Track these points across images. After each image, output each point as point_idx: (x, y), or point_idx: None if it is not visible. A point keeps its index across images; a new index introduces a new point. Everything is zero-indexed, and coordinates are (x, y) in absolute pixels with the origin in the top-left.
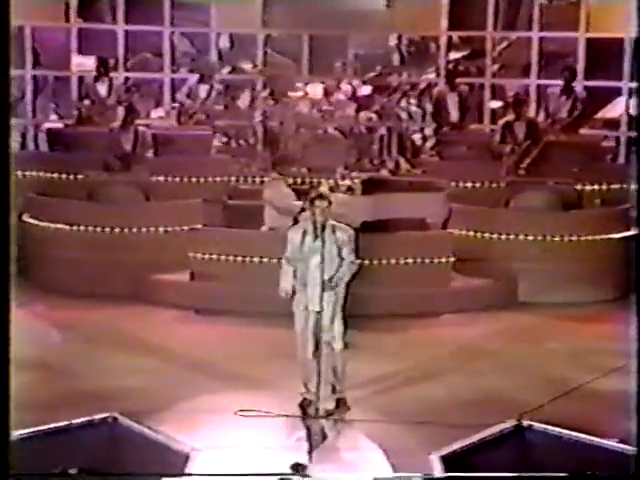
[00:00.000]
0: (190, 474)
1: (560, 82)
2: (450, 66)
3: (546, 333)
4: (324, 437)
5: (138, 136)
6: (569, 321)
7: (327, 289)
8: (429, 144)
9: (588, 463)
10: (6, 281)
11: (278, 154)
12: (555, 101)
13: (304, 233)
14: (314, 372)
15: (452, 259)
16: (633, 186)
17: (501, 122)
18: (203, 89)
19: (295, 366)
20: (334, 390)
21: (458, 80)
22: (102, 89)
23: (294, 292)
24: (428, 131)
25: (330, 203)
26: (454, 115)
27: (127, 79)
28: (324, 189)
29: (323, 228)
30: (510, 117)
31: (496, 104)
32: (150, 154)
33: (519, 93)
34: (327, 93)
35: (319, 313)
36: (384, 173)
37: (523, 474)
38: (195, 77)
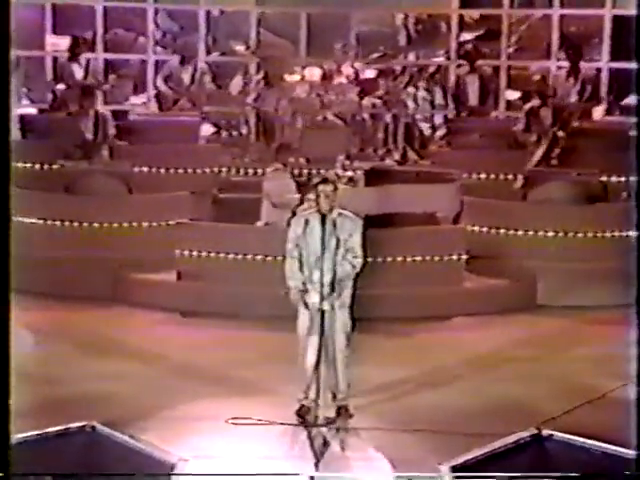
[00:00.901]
0: (190, 474)
1: (587, 64)
2: (467, 47)
3: (568, 338)
4: (326, 446)
5: (99, 121)
6: (593, 325)
7: (332, 284)
8: (439, 133)
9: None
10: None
11: (276, 143)
12: (562, 85)
13: (307, 222)
14: (315, 377)
15: (465, 257)
16: None
17: (526, 107)
18: (186, 72)
19: (291, 371)
20: (335, 397)
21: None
22: (78, 71)
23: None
24: (438, 119)
25: (336, 188)
26: (473, 99)
27: (106, 61)
28: (330, 174)
29: (328, 218)
30: (535, 102)
31: (514, 95)
32: (121, 141)
33: (545, 76)
34: (327, 76)
35: (323, 311)
36: (389, 162)
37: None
38: (176, 59)
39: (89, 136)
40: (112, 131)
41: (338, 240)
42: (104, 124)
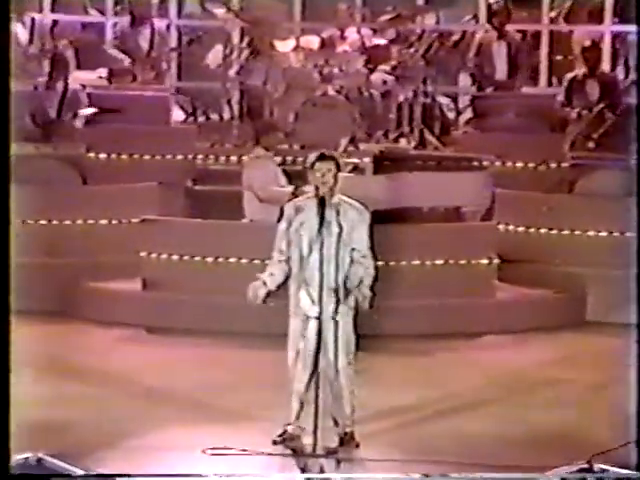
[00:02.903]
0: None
1: None
2: (495, 6)
3: (622, 360)
4: None
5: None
6: None
7: (333, 290)
8: (465, 116)
9: None
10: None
11: (260, 124)
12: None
13: (299, 209)
14: (310, 400)
15: (496, 261)
16: None
17: (568, 77)
18: (143, 36)
19: (278, 396)
20: (337, 423)
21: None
22: (22, 32)
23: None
24: (463, 99)
25: (339, 167)
26: (502, 72)
27: (55, 23)
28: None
29: (328, 204)
30: (579, 71)
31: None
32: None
33: (594, 41)
34: (328, 43)
35: (320, 322)
36: (404, 145)
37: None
38: (126, 19)
39: (53, 114)
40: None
41: (340, 232)
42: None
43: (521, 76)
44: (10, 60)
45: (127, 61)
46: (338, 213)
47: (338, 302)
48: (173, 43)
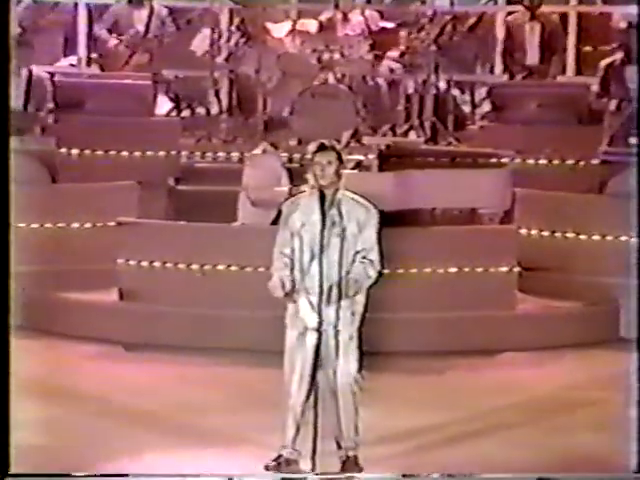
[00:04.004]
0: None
1: None
2: None
3: None
4: None
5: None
6: None
7: (338, 294)
8: (482, 109)
9: None
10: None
11: (252, 117)
12: None
13: (300, 209)
14: (308, 421)
15: (517, 269)
16: None
17: (603, 63)
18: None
19: (270, 417)
20: (340, 446)
21: None
22: None
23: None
24: (480, 90)
25: (341, 160)
26: (533, 57)
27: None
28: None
29: (331, 202)
30: (617, 57)
31: None
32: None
33: (631, 23)
34: (328, 26)
35: (320, 334)
36: (413, 139)
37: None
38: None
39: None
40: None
41: (344, 231)
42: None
43: (556, 62)
44: (10, 60)
45: (112, 43)
46: (342, 212)
47: (339, 310)
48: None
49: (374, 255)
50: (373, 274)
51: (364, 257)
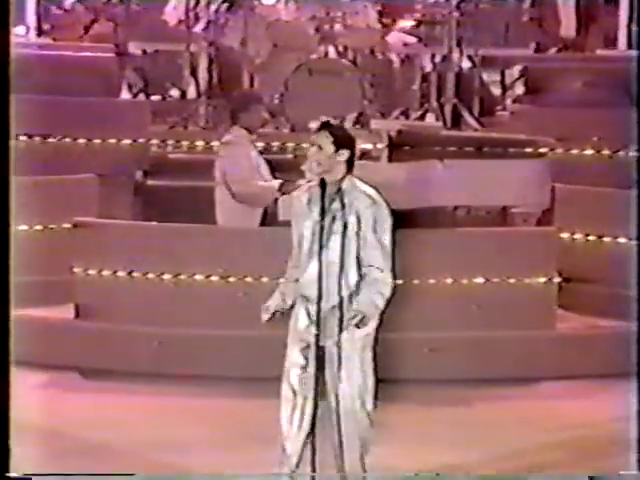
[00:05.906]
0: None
1: None
2: None
3: None
4: None
5: None
6: None
7: (336, 308)
8: (515, 91)
9: None
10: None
11: (237, 98)
12: None
13: (300, 203)
14: (307, 458)
15: (557, 280)
16: None
17: None
18: None
19: (262, 453)
20: None
21: None
22: None
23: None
24: (511, 70)
25: (338, 145)
26: (568, 27)
27: None
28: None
29: (335, 193)
30: None
31: None
32: None
33: None
34: None
35: (322, 347)
36: (431, 123)
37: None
38: None
39: None
40: None
41: (345, 227)
42: None
43: (595, 33)
44: (10, 61)
45: (68, 7)
46: (344, 205)
47: (342, 324)
48: None
49: (385, 263)
50: (382, 304)
51: (380, 270)
